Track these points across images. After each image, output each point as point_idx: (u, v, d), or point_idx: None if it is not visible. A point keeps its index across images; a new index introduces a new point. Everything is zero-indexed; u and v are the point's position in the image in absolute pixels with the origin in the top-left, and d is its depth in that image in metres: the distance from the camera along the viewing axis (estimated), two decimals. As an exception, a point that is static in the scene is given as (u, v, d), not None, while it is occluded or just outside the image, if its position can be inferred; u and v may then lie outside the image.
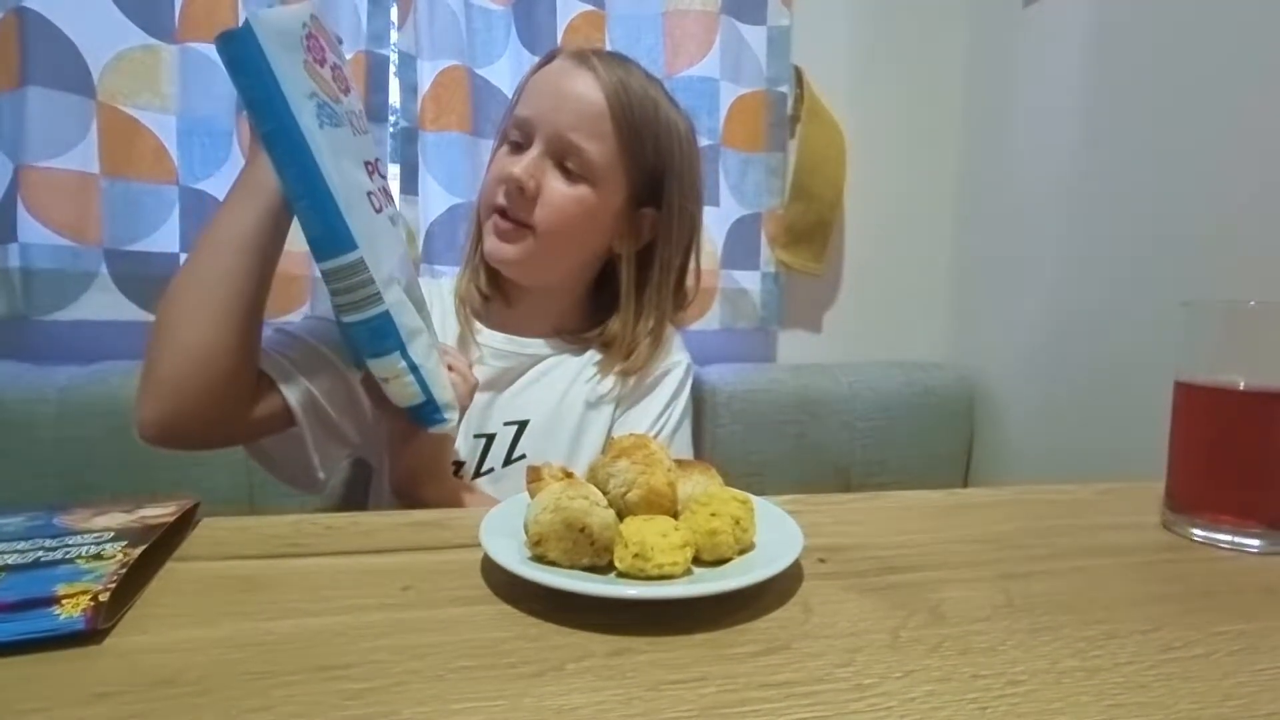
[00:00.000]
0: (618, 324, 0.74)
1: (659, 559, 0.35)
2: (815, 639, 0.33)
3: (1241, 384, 0.46)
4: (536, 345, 0.74)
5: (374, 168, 0.55)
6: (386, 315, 0.51)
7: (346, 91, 0.54)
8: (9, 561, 0.35)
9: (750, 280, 1.18)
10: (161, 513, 0.42)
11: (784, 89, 1.17)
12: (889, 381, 1.16)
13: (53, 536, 0.38)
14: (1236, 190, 0.76)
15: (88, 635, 0.30)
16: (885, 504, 0.54)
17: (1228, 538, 0.46)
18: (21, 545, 0.37)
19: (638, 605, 0.34)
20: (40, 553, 0.36)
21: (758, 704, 0.27)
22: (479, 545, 0.38)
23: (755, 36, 1.15)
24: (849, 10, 1.23)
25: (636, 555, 0.35)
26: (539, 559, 0.37)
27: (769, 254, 1.19)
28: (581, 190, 0.67)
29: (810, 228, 1.19)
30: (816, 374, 1.15)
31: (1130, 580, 0.40)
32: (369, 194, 0.53)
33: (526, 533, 0.38)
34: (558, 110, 0.67)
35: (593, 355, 0.75)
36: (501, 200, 0.68)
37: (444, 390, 0.56)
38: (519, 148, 0.68)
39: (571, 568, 0.37)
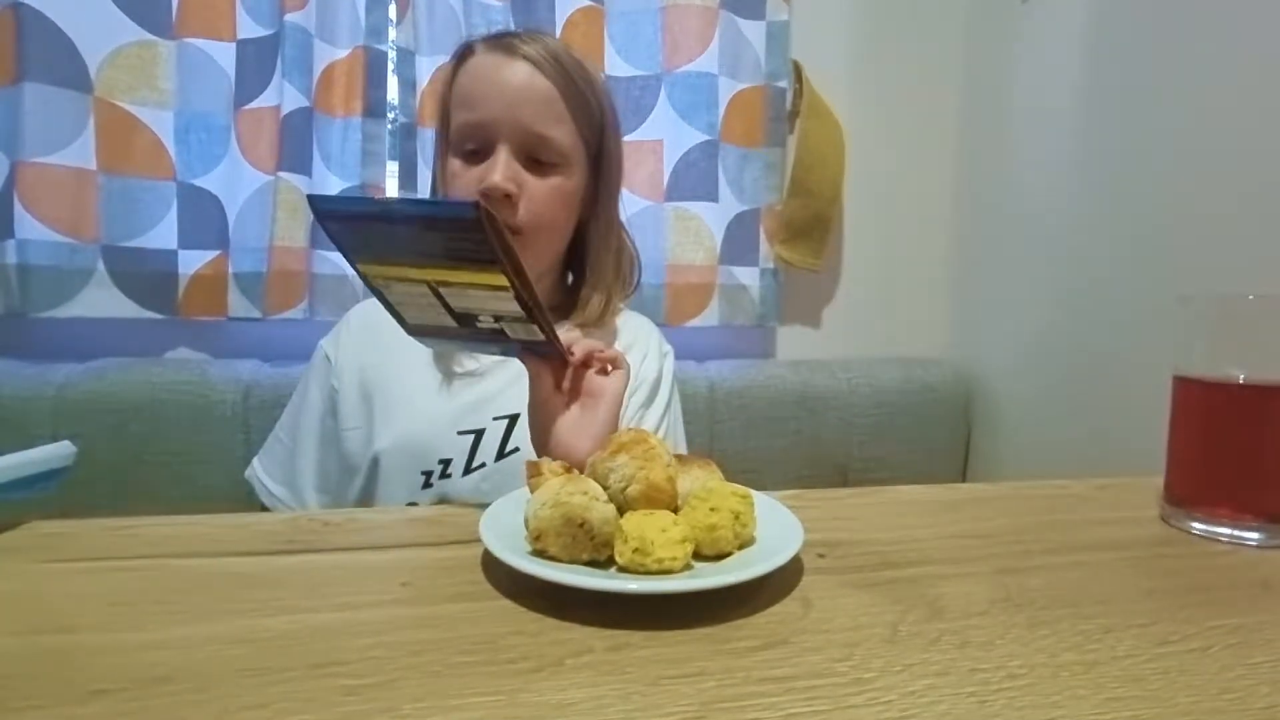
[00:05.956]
0: (588, 290, 0.74)
1: (659, 554, 0.35)
2: (814, 633, 0.33)
3: (1240, 378, 0.46)
4: None
5: None
6: None
7: None
8: None
9: (749, 276, 1.18)
10: None
11: (783, 84, 1.17)
12: (887, 377, 1.16)
13: None
14: (1233, 185, 0.76)
15: (469, 213, 0.39)
16: (883, 499, 0.54)
17: (1226, 531, 0.46)
18: None
19: (637, 600, 0.34)
20: None
21: (757, 698, 0.27)
22: (478, 541, 0.38)
23: (754, 31, 1.15)
24: (848, 5, 1.22)
25: (636, 550, 0.35)
26: (539, 554, 0.37)
27: (768, 250, 1.19)
28: (557, 180, 0.68)
29: (809, 223, 1.19)
30: (815, 370, 1.15)
31: (1128, 574, 0.40)
32: None
33: (526, 528, 0.38)
34: (514, 107, 0.65)
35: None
36: None
37: None
38: (475, 155, 0.67)
39: (571, 563, 0.37)
